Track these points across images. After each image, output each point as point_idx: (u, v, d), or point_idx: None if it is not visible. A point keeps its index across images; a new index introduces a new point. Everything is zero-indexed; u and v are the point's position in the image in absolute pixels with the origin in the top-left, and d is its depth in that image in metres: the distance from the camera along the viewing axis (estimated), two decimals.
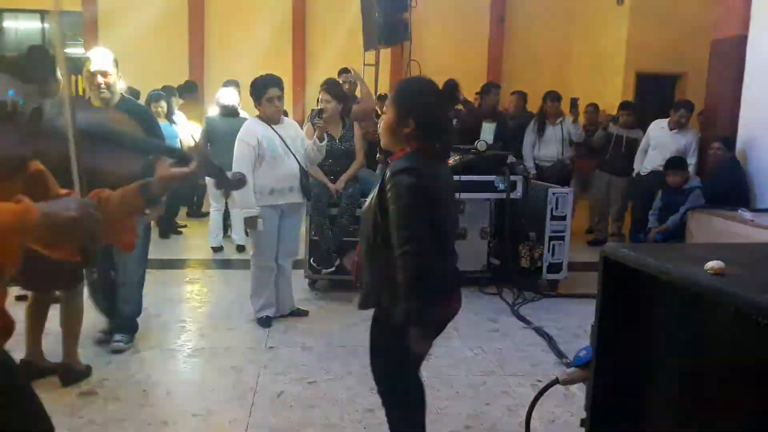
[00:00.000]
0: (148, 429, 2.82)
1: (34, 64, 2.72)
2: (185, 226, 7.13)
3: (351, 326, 4.02)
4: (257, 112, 4.01)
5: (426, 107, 2.06)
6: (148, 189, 1.45)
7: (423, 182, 1.95)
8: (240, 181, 1.65)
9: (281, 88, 3.95)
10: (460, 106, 6.88)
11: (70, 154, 1.21)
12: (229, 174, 1.67)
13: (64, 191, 1.41)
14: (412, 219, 1.93)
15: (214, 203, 6.09)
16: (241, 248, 6.01)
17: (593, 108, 7.80)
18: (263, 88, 3.89)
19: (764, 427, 1.17)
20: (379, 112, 6.25)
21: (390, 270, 1.97)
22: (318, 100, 4.52)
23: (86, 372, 3.27)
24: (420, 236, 1.92)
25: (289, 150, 3.95)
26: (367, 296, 2.15)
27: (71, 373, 3.19)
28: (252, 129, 3.91)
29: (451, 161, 4.53)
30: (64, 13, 10.36)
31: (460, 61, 10.09)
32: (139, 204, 1.45)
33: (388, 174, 2.01)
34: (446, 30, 10.17)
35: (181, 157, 1.50)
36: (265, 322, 4.10)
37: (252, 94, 3.96)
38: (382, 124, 2.19)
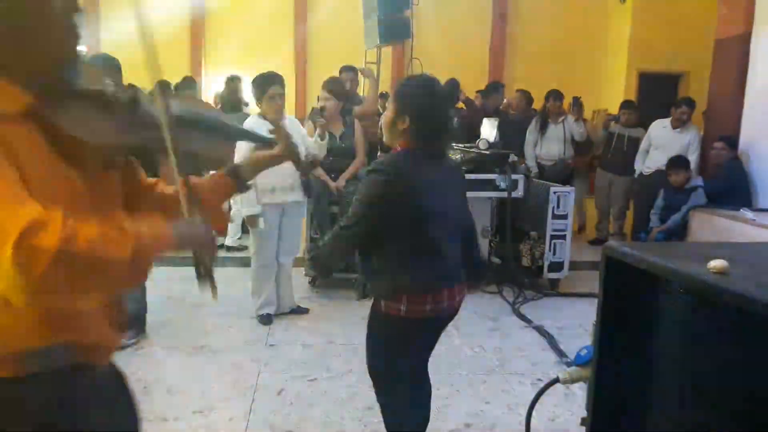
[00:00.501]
0: (148, 426, 2.80)
1: None
2: None
3: (351, 324, 4.02)
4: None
5: (421, 105, 2.06)
6: (237, 174, 1.45)
7: (390, 184, 2.01)
8: (313, 163, 1.66)
9: (282, 86, 3.95)
10: (461, 105, 6.88)
11: (166, 142, 1.18)
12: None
13: (152, 180, 1.41)
14: (358, 213, 2.05)
15: None
16: (230, 248, 5.98)
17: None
18: (264, 86, 3.88)
19: (765, 428, 1.16)
20: (380, 110, 6.25)
21: (375, 259, 2.09)
22: (319, 98, 4.51)
23: None
24: (355, 231, 2.06)
25: None
26: (362, 286, 2.20)
27: None
28: (253, 127, 3.90)
29: None
30: None
31: (462, 59, 10.07)
32: (230, 189, 1.45)
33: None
34: (448, 28, 10.14)
35: (265, 141, 1.51)
36: (265, 320, 4.11)
37: (253, 92, 3.96)
38: (383, 120, 2.20)
